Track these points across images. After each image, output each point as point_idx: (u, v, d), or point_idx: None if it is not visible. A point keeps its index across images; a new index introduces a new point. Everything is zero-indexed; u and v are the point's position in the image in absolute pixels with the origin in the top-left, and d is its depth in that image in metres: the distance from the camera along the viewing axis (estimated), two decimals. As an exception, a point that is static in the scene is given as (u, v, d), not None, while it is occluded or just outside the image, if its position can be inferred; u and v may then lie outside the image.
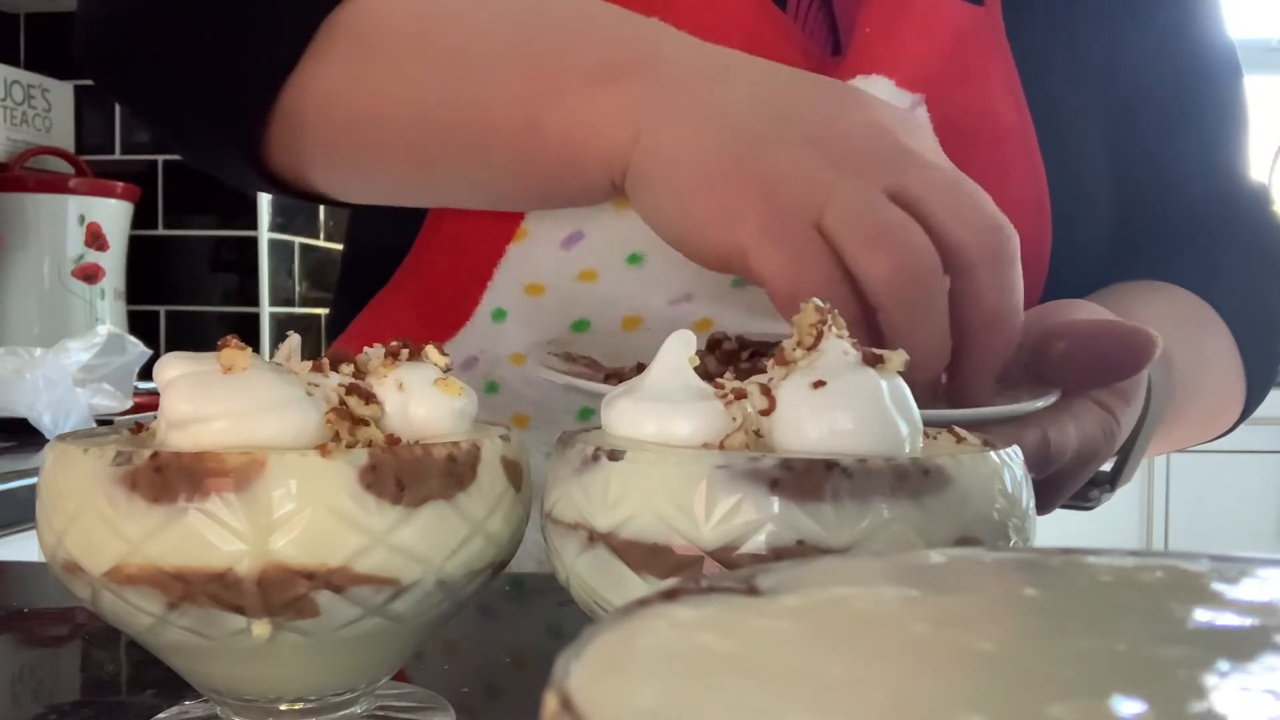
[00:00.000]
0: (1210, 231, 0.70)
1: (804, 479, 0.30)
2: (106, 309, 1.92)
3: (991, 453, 0.33)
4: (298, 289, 2.18)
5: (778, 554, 0.30)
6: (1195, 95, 0.73)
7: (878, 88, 0.61)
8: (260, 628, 0.32)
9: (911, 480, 0.31)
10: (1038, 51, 0.65)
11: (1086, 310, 0.52)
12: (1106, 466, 0.55)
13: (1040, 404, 0.46)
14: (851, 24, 0.64)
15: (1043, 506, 0.52)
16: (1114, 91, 0.69)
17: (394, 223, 0.67)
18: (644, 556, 0.32)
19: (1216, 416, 0.69)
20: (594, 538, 0.33)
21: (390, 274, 0.68)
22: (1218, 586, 0.19)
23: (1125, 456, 0.54)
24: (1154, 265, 0.67)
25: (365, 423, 0.34)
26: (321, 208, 2.25)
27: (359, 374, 0.36)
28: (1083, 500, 0.55)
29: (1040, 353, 0.48)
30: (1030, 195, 0.63)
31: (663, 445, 0.33)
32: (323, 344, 2.26)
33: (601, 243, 0.61)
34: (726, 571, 0.30)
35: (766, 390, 0.34)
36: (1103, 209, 0.68)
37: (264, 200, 2.06)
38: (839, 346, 0.34)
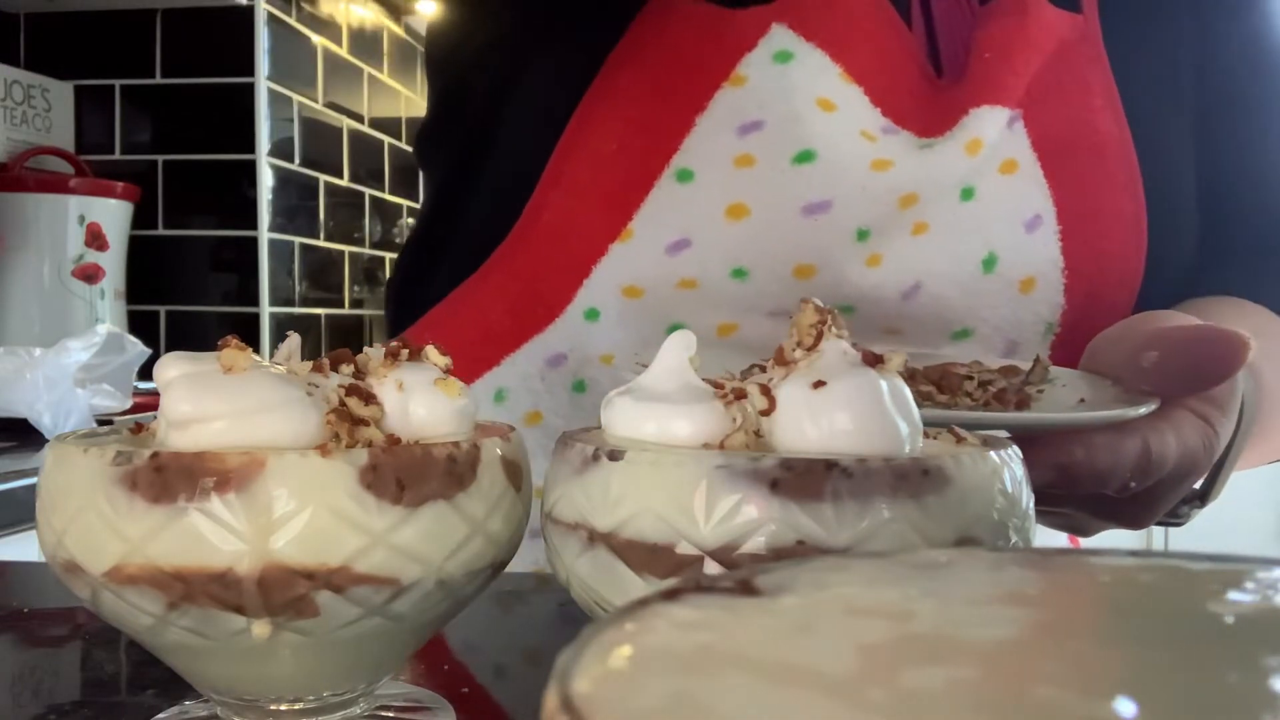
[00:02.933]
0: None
1: (804, 479, 0.30)
2: (106, 309, 1.92)
3: (991, 453, 0.33)
4: (298, 289, 2.18)
5: (778, 554, 0.30)
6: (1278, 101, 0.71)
7: (994, 118, 0.61)
8: (260, 628, 0.32)
9: (911, 480, 0.31)
10: (1132, 59, 0.64)
11: (1175, 320, 0.51)
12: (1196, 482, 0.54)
13: (1141, 411, 0.46)
14: (959, 45, 0.63)
15: (1140, 520, 0.51)
16: (1202, 98, 0.67)
17: (489, 210, 0.66)
18: (644, 556, 0.32)
19: None
20: (594, 538, 0.33)
21: (478, 263, 0.67)
22: (1217, 587, 0.19)
23: (1217, 471, 0.53)
24: (1230, 278, 0.65)
25: (365, 423, 0.34)
26: (321, 209, 2.25)
27: (359, 374, 0.36)
28: (1173, 516, 0.54)
29: (1133, 363, 0.48)
30: (1128, 207, 0.62)
31: (663, 445, 0.33)
32: (323, 343, 2.26)
33: (707, 252, 0.60)
34: (726, 571, 0.30)
35: (766, 390, 0.34)
36: (1190, 220, 0.66)
37: (264, 200, 2.06)
38: (838, 347, 0.34)
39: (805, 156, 0.59)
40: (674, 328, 0.61)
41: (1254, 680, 0.15)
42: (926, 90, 0.63)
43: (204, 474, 0.31)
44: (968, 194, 0.60)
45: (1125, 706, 0.14)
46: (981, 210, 0.60)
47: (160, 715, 0.39)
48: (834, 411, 0.32)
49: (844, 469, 0.30)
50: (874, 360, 0.34)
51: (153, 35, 2.06)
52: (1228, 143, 0.68)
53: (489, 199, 0.67)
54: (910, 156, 0.60)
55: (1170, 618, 0.18)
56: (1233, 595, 0.19)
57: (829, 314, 0.35)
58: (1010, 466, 0.34)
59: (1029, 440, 0.44)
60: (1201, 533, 2.96)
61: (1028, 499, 0.34)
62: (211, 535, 0.31)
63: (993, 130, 0.61)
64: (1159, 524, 0.55)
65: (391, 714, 0.38)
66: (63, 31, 2.07)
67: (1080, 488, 0.45)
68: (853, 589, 0.19)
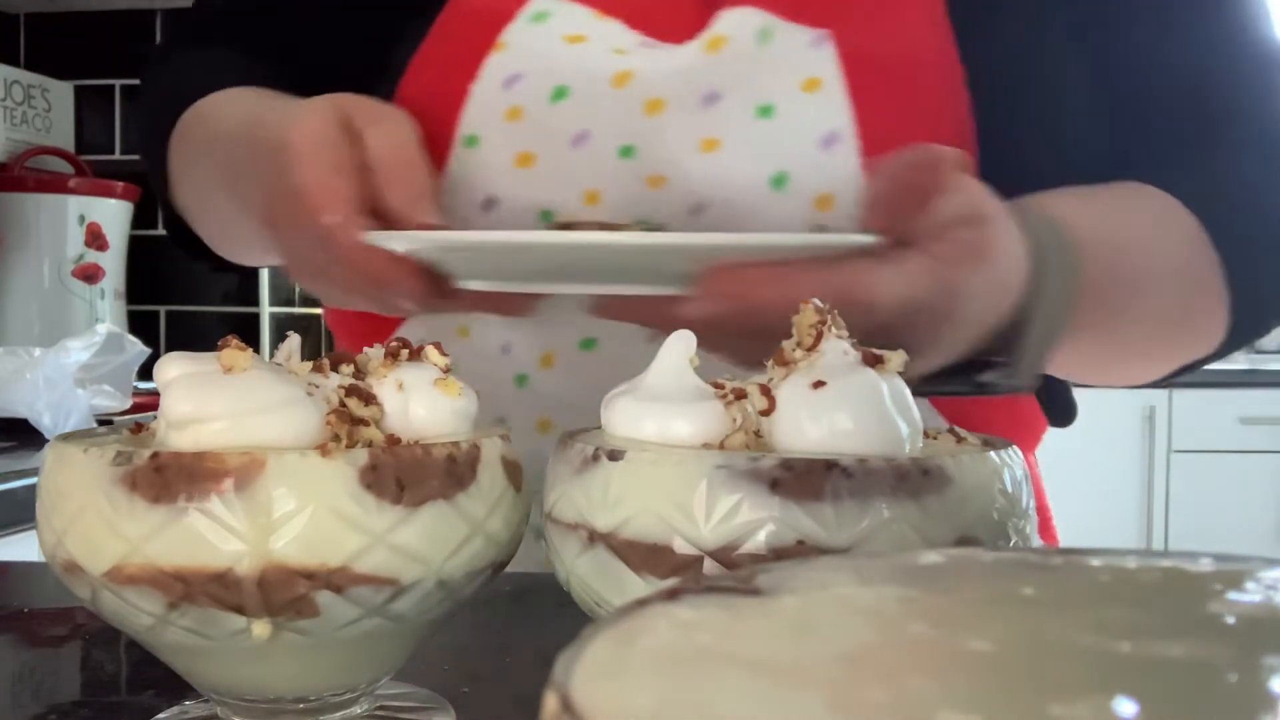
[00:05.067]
0: (1206, 129, 0.64)
1: (804, 479, 0.30)
2: (106, 309, 1.92)
3: (991, 453, 0.33)
4: (298, 289, 2.18)
5: (778, 554, 0.30)
6: None
7: (742, 18, 0.61)
8: (260, 628, 0.32)
9: (911, 480, 0.31)
10: None
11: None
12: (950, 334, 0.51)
13: (852, 240, 0.45)
14: None
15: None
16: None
17: None
18: (644, 556, 0.32)
19: (1182, 320, 0.62)
20: (594, 538, 0.33)
21: None
22: (1218, 586, 0.19)
23: (1018, 337, 0.51)
24: (1149, 171, 0.61)
25: (365, 423, 0.34)
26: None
27: (359, 374, 0.36)
28: (965, 384, 0.52)
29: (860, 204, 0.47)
30: (945, 124, 0.60)
31: (663, 445, 0.33)
32: (323, 343, 2.27)
33: (513, 203, 0.62)
34: (726, 571, 0.30)
35: (766, 390, 0.34)
36: (1079, 134, 0.63)
37: (264, 200, 2.06)
38: (838, 347, 0.34)
39: (560, 93, 0.62)
40: None
41: (1254, 680, 0.15)
42: (693, 6, 0.64)
43: (204, 474, 0.31)
44: (765, 111, 0.60)
45: (1125, 706, 0.14)
46: (777, 128, 0.60)
47: (160, 715, 0.39)
48: (834, 411, 0.32)
49: (844, 469, 0.30)
50: (874, 360, 0.34)
51: (153, 35, 2.06)
52: (1129, 36, 0.65)
53: None
54: (649, 63, 0.62)
55: (1170, 618, 0.18)
56: (1233, 595, 0.19)
57: (829, 314, 0.35)
58: (1010, 467, 0.34)
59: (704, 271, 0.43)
60: (1202, 532, 2.95)
61: (1028, 499, 0.34)
62: (211, 535, 0.31)
63: (740, 28, 0.61)
64: (950, 393, 0.54)
65: (391, 714, 0.38)
66: (63, 31, 2.07)
67: (754, 323, 0.43)
68: (853, 589, 0.19)
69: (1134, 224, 0.59)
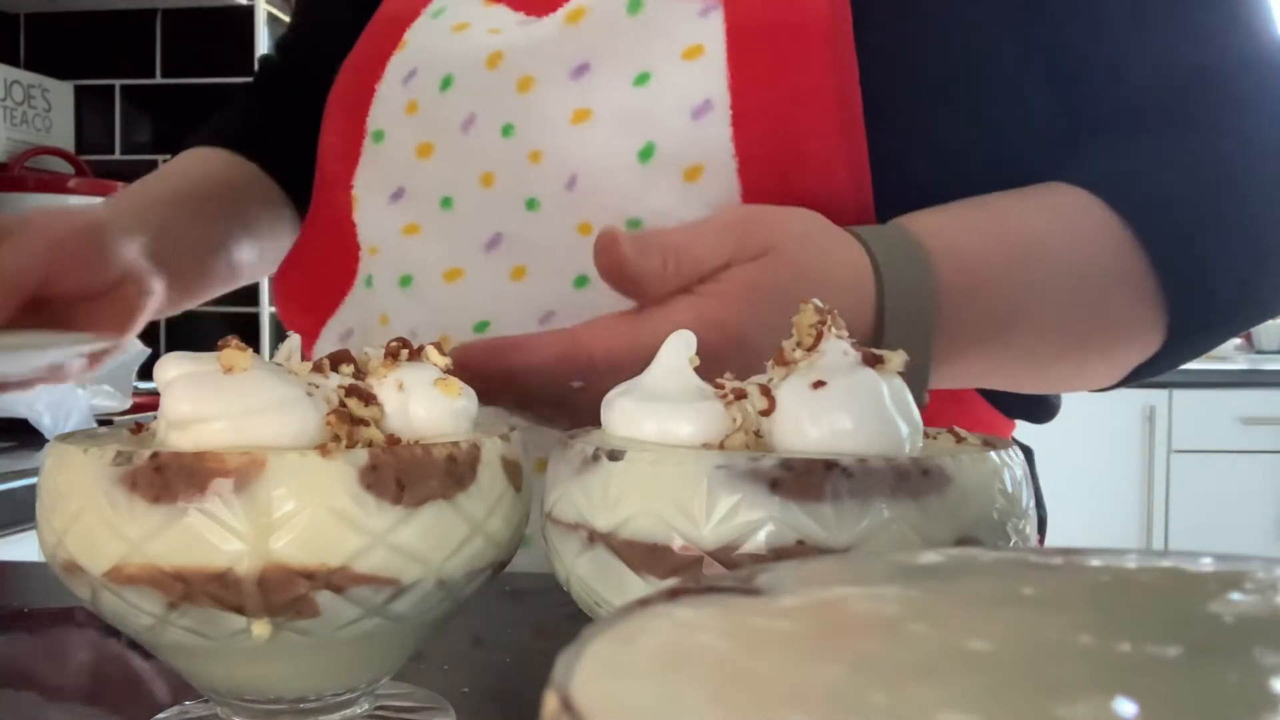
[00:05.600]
0: (1152, 125, 0.61)
1: (804, 479, 0.30)
2: (106, 309, 1.92)
3: (991, 453, 0.33)
4: (298, 289, 2.18)
5: (778, 554, 0.30)
6: None
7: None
8: (260, 628, 0.32)
9: (911, 480, 0.31)
10: None
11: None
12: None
13: (76, 346, 0.50)
14: None
15: None
16: None
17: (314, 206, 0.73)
18: (644, 556, 0.32)
19: (1109, 323, 0.59)
20: (594, 538, 0.33)
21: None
22: (1218, 586, 0.19)
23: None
24: (1085, 157, 0.59)
25: (365, 423, 0.34)
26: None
27: (359, 374, 0.36)
28: None
29: None
30: (827, 87, 0.57)
31: (663, 445, 0.33)
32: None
33: (418, 192, 0.63)
34: (726, 571, 0.30)
35: (766, 390, 0.34)
36: (1005, 120, 0.60)
37: (264, 200, 2.06)
38: (838, 347, 0.34)
39: (447, 82, 0.63)
40: (404, 280, 0.63)
41: (1254, 680, 0.15)
42: None
43: (204, 474, 0.31)
44: (642, 79, 0.59)
45: (1125, 706, 0.14)
46: (650, 97, 0.59)
47: (160, 715, 0.39)
48: (834, 411, 0.32)
49: (844, 469, 0.30)
50: (874, 360, 0.34)
51: (153, 35, 2.06)
52: (1105, 27, 0.62)
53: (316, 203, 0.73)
54: (517, 40, 0.62)
55: (1170, 618, 0.18)
56: (1233, 595, 0.19)
57: (829, 314, 0.35)
58: (1011, 467, 0.34)
59: None
60: (1202, 532, 2.95)
61: (1028, 499, 0.34)
62: (211, 535, 0.31)
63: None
64: None
65: (391, 714, 0.38)
66: (63, 31, 2.07)
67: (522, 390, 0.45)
68: (852, 589, 0.19)
69: (1032, 229, 0.57)
